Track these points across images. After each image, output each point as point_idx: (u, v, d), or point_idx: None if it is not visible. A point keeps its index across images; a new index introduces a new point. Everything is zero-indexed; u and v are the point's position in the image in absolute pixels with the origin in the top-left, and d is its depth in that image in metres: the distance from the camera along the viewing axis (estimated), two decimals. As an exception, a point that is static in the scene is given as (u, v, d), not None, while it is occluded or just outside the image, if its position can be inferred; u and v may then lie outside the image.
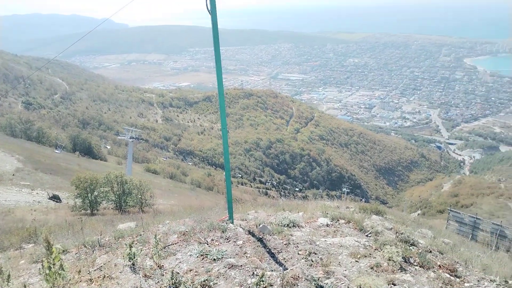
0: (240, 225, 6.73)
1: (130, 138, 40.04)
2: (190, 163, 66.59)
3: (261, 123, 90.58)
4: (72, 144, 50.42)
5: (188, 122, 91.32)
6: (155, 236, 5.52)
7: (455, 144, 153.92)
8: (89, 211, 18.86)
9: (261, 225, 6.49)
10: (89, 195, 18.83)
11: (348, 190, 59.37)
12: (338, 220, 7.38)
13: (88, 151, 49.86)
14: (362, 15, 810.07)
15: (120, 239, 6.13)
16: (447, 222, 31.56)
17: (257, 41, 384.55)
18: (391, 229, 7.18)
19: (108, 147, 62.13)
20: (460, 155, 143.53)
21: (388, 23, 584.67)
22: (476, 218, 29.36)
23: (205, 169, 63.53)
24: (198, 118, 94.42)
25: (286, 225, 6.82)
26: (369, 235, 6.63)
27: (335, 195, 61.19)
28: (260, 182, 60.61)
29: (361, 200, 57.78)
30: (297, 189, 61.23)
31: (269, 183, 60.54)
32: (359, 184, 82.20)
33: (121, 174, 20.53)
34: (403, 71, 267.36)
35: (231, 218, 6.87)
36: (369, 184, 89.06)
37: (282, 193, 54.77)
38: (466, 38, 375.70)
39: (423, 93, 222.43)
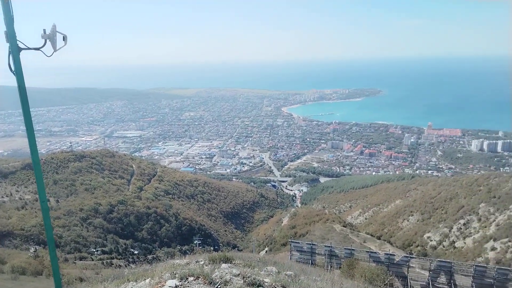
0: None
1: None
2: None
3: (98, 186, 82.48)
4: None
5: (3, 197, 75.37)
6: None
7: (286, 181, 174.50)
8: None
9: (100, 306, 5.71)
10: None
11: (200, 242, 59.08)
12: (187, 278, 7.17)
13: None
14: (191, 72, 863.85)
15: None
16: (290, 253, 34.69)
17: (86, 100, 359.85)
18: (238, 275, 7.40)
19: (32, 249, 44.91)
20: (291, 190, 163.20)
21: (215, 79, 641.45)
22: (312, 244, 33.29)
23: (31, 250, 52.73)
24: (17, 191, 79.15)
25: (130, 298, 6.21)
26: (218, 286, 6.64)
27: (187, 249, 59.75)
28: (103, 252, 54.00)
29: (213, 249, 58.06)
30: (135, 252, 56.84)
31: (114, 252, 54.57)
32: (209, 233, 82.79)
33: None
34: (235, 121, 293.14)
35: (61, 307, 5.82)
36: (219, 231, 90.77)
37: (131, 259, 50.07)
38: (281, 90, 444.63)
39: (254, 139, 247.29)
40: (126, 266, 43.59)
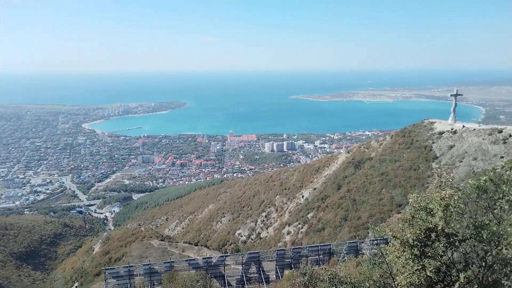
0: None
1: None
2: None
3: None
4: None
5: None
6: None
7: (94, 204, 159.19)
8: None
9: None
10: None
11: (-19, 299, 46.53)
12: None
13: None
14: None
15: None
16: (105, 281, 31.43)
17: None
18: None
19: None
20: (101, 213, 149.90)
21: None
22: (129, 266, 31.13)
23: None
24: None
25: None
26: None
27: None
28: None
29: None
30: None
31: None
32: (-3, 285, 66.33)
33: None
34: (22, 143, 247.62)
35: None
36: (11, 278, 73.89)
37: None
38: (80, 105, 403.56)
39: (50, 162, 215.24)
40: None
